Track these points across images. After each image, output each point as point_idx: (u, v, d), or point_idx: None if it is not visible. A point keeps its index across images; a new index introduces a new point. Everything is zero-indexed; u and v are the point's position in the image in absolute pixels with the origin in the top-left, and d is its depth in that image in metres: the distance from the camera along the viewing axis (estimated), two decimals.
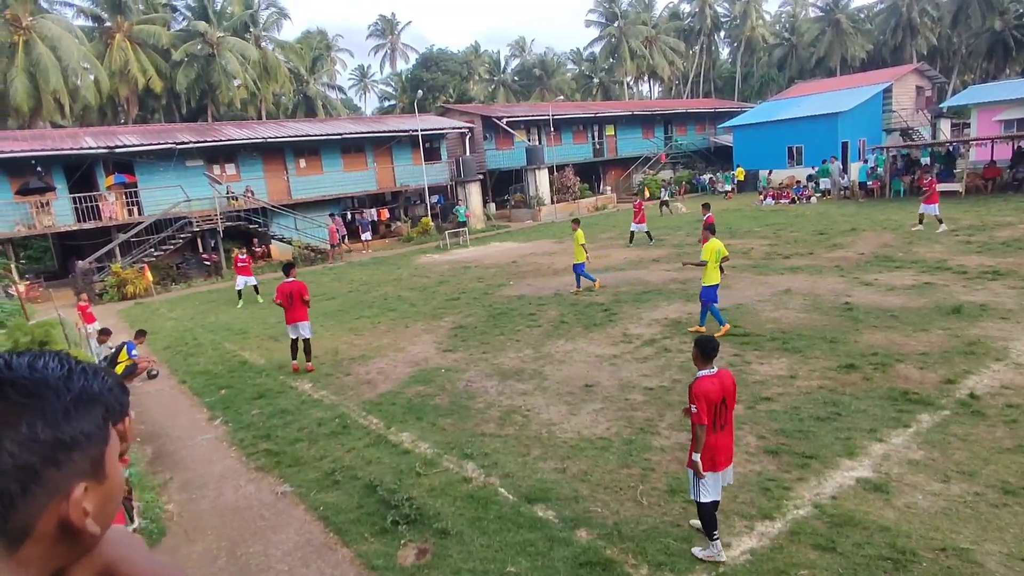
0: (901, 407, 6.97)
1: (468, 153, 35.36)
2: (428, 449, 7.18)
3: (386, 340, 12.28)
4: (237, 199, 27.02)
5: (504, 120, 37.31)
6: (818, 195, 30.93)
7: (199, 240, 26.25)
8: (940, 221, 17.80)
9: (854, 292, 12.11)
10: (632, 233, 22.12)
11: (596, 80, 75.98)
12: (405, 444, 7.38)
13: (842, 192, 30.18)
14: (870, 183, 29.11)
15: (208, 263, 25.67)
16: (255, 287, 18.25)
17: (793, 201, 30.54)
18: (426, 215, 32.63)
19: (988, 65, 60.28)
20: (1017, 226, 17.13)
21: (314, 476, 6.85)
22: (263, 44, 48.97)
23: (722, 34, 77.16)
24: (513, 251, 23.66)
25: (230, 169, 28.50)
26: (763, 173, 37.80)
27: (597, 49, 72.84)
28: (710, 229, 10.84)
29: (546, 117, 38.41)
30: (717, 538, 4.66)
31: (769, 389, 7.86)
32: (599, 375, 9.02)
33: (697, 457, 4.53)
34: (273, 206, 27.83)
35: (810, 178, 33.21)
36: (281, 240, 27.83)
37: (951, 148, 30.04)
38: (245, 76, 45.13)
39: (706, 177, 42.07)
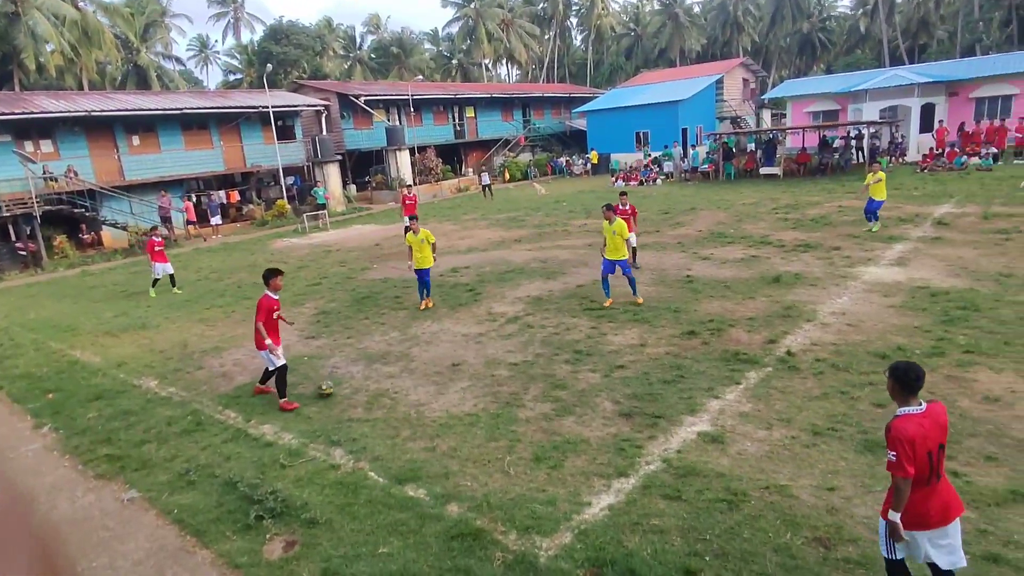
0: (733, 366, 7.82)
1: (325, 132, 33.86)
2: (293, 439, 6.94)
3: (241, 330, 11.58)
4: (56, 180, 23.86)
5: (362, 99, 36.15)
6: (663, 177, 33.33)
7: (11, 227, 22.88)
8: None
9: (694, 266, 13.30)
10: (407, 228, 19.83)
11: (455, 61, 75.76)
12: (267, 436, 7.08)
13: (684, 175, 32.75)
14: (705, 166, 31.85)
15: (24, 253, 22.48)
16: (171, 276, 15.90)
17: (642, 183, 32.67)
18: (282, 197, 30.91)
19: (800, 62, 68.00)
20: (823, 205, 19.66)
21: (165, 478, 6.37)
22: (82, 5, 43.23)
23: (574, 21, 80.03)
24: (376, 233, 23.17)
25: (46, 146, 25.06)
26: (615, 156, 39.99)
27: (454, 30, 72.61)
28: (610, 208, 11.05)
29: (406, 97, 37.75)
30: None
31: (623, 358, 8.46)
32: (466, 354, 9.18)
33: (896, 517, 3.51)
34: (102, 188, 24.92)
35: (655, 161, 35.66)
36: (115, 226, 25.03)
37: (772, 136, 33.64)
38: (60, 40, 39.66)
39: (563, 160, 43.70)
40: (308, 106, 33.64)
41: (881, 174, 15.02)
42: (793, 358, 7.91)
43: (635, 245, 12.64)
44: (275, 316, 7.76)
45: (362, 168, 37.86)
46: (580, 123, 46.21)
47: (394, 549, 4.88)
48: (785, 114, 39.86)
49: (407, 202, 19.48)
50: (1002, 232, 13.75)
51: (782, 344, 8.43)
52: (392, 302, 12.60)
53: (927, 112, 31.59)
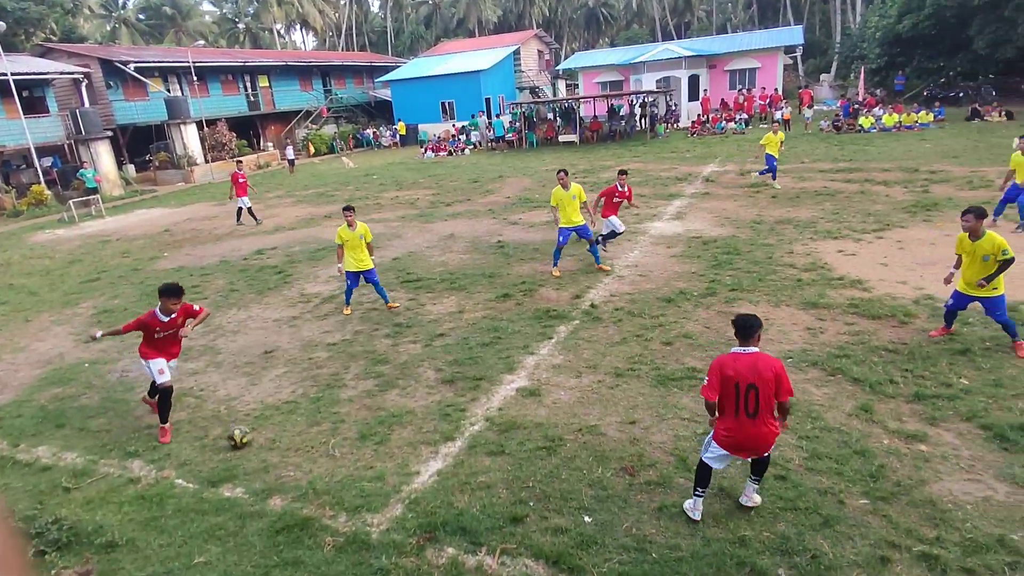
0: (545, 323, 8.33)
1: (87, 105, 29.19)
2: (77, 458, 6.08)
3: None
4: None
5: (131, 65, 31.67)
6: (470, 147, 33.89)
7: None
8: None
9: (505, 231, 13.81)
10: (240, 210, 17.43)
11: (242, 26, 69.26)
12: (43, 460, 6.11)
13: (490, 144, 33.59)
14: (510, 135, 32.97)
15: None
16: None
17: (450, 153, 32.93)
18: (38, 182, 26.26)
19: (588, 35, 72.58)
20: (614, 168, 21.36)
21: None
22: None
23: None
24: (165, 218, 20.71)
25: None
26: (422, 127, 39.74)
27: None
28: (565, 172, 10.26)
29: (186, 64, 33.79)
30: (699, 495, 4.42)
31: (442, 326, 8.59)
32: (279, 339, 8.68)
33: (710, 423, 4.39)
34: None
35: (462, 131, 36.10)
36: None
37: (568, 105, 35.68)
38: None
39: (370, 132, 42.45)
40: (61, 73, 28.71)
41: (781, 135, 16.58)
42: (596, 310, 8.62)
43: (621, 231, 11.03)
44: (157, 335, 6.30)
45: (141, 145, 33.37)
46: (385, 93, 45.09)
47: (212, 556, 4.54)
48: (578, 84, 42.46)
49: (240, 180, 17.36)
50: (754, 186, 16.11)
51: (586, 298, 9.14)
52: (190, 292, 11.41)
53: (694, 82, 35.63)
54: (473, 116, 36.36)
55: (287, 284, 11.36)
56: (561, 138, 32.00)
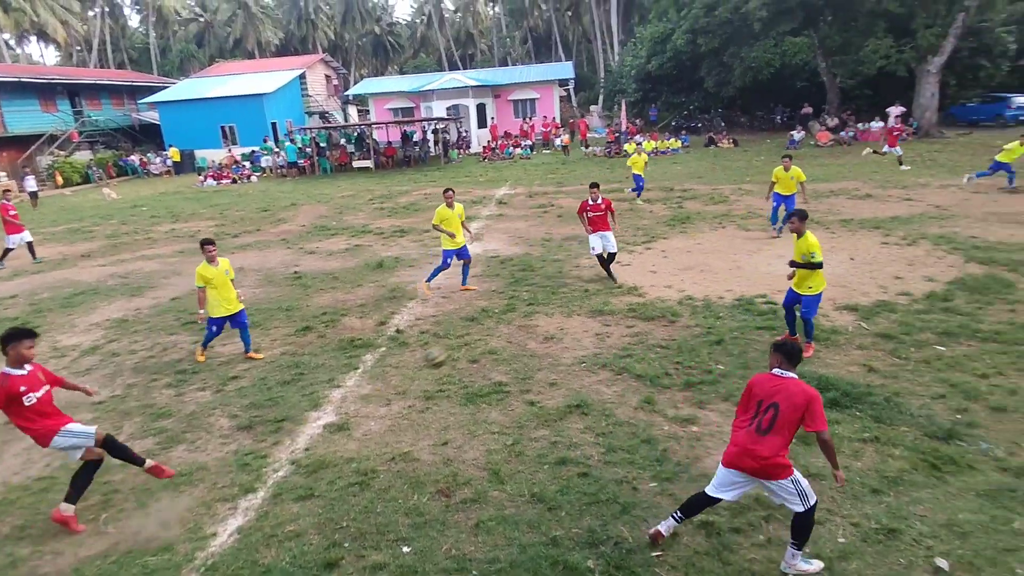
0: (350, 353, 8.06)
1: None
2: None
3: None
4: None
5: None
6: (257, 174, 31.84)
7: None
8: (900, 162, 19.57)
9: (301, 261, 13.17)
10: (6, 250, 14.89)
11: None
12: None
13: (280, 170, 31.87)
14: (301, 161, 31.63)
15: None
16: None
17: (235, 181, 30.63)
18: None
19: (376, 61, 72.66)
20: (411, 193, 21.64)
21: None
22: None
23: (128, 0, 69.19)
24: None
25: None
26: (199, 153, 36.46)
27: None
28: (451, 191, 10.27)
29: None
30: (676, 519, 4.28)
31: (236, 367, 7.88)
32: None
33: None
34: None
35: (247, 157, 33.81)
36: None
37: (361, 131, 35.27)
38: None
39: (135, 158, 37.84)
40: None
41: (645, 156, 17.47)
42: (402, 335, 8.56)
43: (614, 251, 10.34)
44: (27, 400, 4.80)
45: None
46: (152, 116, 40.57)
47: None
48: (369, 110, 42.20)
49: (9, 216, 14.44)
50: (542, 207, 17.32)
51: (392, 324, 9.04)
52: None
53: (481, 110, 37.40)
54: (266, 139, 34.27)
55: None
56: (356, 164, 31.47)
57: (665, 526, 4.31)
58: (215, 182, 30.20)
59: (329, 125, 38.10)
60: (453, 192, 10.16)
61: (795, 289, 7.11)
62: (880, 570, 4.03)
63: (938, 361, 6.73)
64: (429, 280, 10.33)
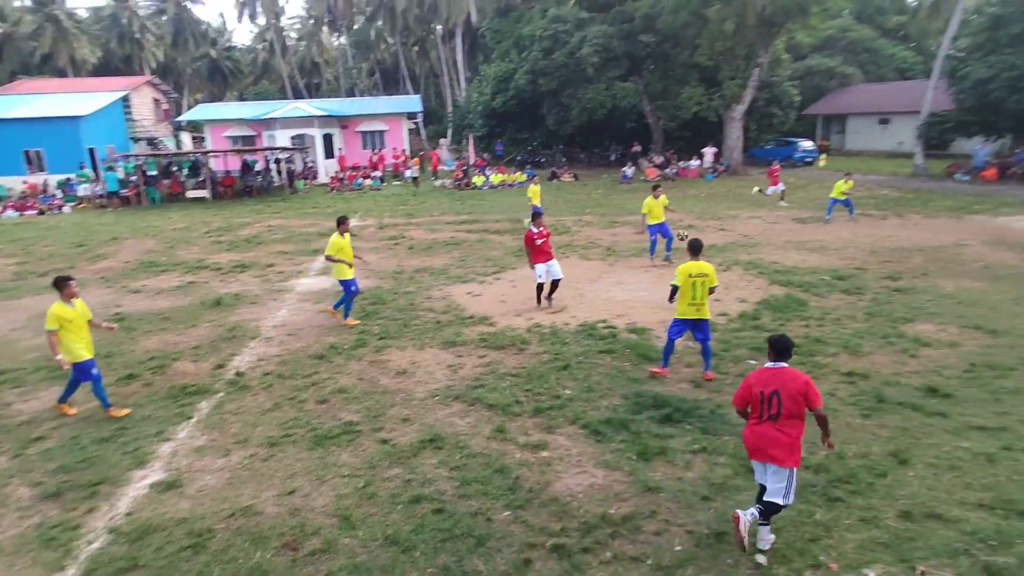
0: (183, 401, 7.37)
1: None
2: None
3: None
4: None
5: None
6: (71, 204, 28.35)
7: None
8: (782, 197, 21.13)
9: (124, 301, 11.87)
10: None
11: None
12: None
13: (99, 200, 28.63)
14: (125, 191, 28.69)
15: None
16: None
17: (42, 212, 27.03)
18: None
19: (213, 87, 68.24)
20: (254, 225, 20.45)
21: None
22: None
23: None
24: None
25: None
26: None
27: None
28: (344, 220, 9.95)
29: None
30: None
31: (40, 427, 6.88)
32: None
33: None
34: None
35: (60, 186, 30.03)
36: None
37: (195, 158, 32.80)
38: None
39: None
40: None
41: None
42: (243, 378, 7.99)
43: (559, 277, 10.35)
44: None
45: None
46: None
47: None
48: (204, 137, 39.46)
49: None
50: (392, 239, 17.19)
51: (231, 366, 8.41)
52: None
53: (328, 141, 36.50)
54: (82, 167, 30.60)
55: None
56: (190, 194, 29.16)
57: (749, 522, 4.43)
58: (17, 213, 26.41)
59: (158, 152, 35.01)
60: (348, 221, 10.02)
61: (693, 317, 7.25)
62: (712, 572, 4.41)
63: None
64: (346, 316, 10.07)
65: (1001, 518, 4.83)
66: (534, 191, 18.47)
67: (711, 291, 7.27)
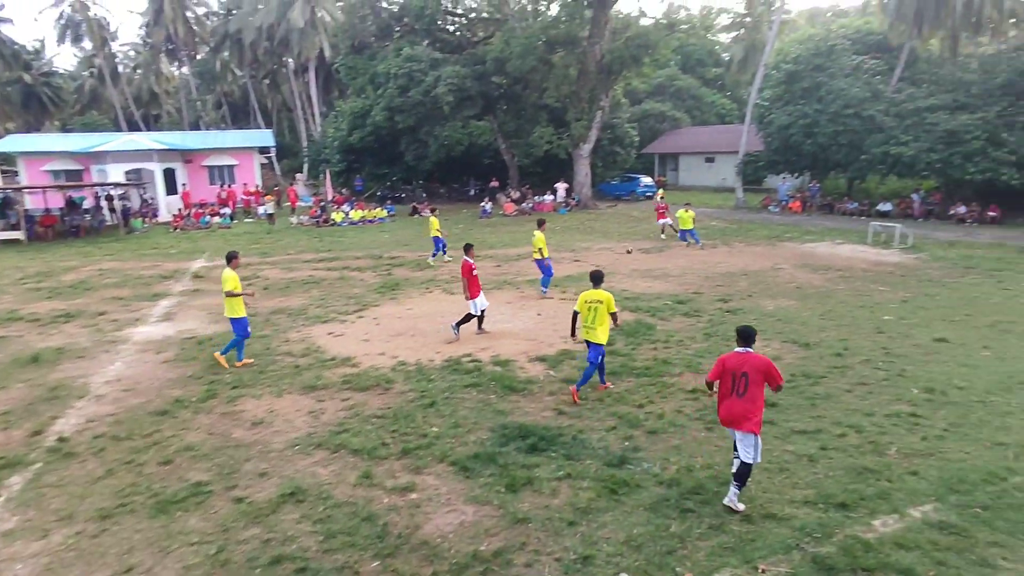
0: None
1: None
2: None
3: None
4: None
5: None
6: None
7: None
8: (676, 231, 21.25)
9: None
10: None
11: None
12: None
13: None
14: None
15: None
16: None
17: None
18: None
19: (29, 116, 60.77)
20: (81, 270, 18.31)
21: None
22: None
23: None
24: None
25: None
26: None
27: None
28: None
29: None
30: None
31: None
32: None
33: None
34: None
35: None
36: None
37: (5, 195, 28.84)
38: None
39: None
40: None
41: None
42: (67, 443, 7.07)
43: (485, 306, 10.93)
44: None
45: None
46: None
47: None
48: (18, 172, 34.95)
49: None
50: (244, 279, 16.09)
51: (51, 432, 7.41)
52: None
53: (170, 176, 33.80)
54: None
55: None
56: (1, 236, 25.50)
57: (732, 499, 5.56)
58: None
59: None
60: (239, 256, 9.91)
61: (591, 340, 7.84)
62: None
63: (608, 398, 8.02)
64: (240, 357, 9.60)
65: (823, 512, 5.48)
66: (433, 223, 18.51)
67: (613, 316, 7.87)
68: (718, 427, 7.14)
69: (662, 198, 25.06)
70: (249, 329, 9.76)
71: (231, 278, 9.38)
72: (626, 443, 6.80)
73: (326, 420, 7.52)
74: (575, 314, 8.09)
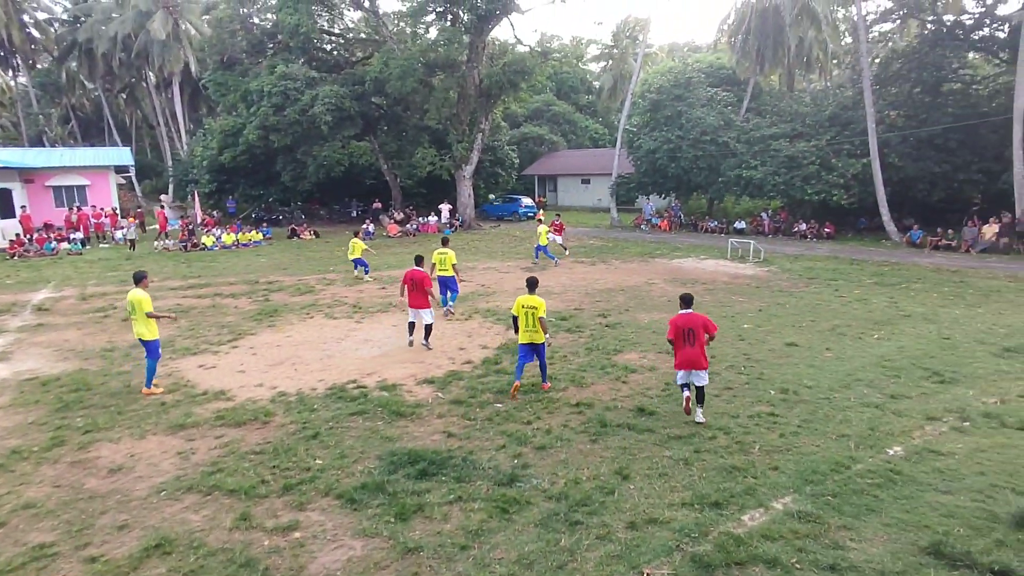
0: None
1: None
2: None
3: None
4: None
5: None
6: None
7: None
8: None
9: None
10: None
11: None
12: None
13: None
14: None
15: None
16: None
17: None
18: None
19: None
20: None
21: None
22: None
23: None
24: None
25: None
26: None
27: None
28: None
29: None
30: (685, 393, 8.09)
31: None
32: None
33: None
34: None
35: None
36: None
37: None
38: None
39: None
40: None
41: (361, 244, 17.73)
42: None
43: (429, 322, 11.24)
44: None
45: None
46: None
47: None
48: None
49: None
50: (101, 310, 14.73)
51: None
52: None
53: (5, 197, 30.08)
54: None
55: None
56: None
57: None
58: None
59: None
60: (141, 279, 9.20)
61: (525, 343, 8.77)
62: None
63: (497, 416, 8.09)
64: (149, 384, 9.09)
65: (699, 512, 5.83)
66: (356, 245, 18.59)
67: (541, 320, 8.59)
68: (601, 437, 7.45)
69: (558, 216, 26.87)
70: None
71: (146, 299, 8.97)
72: (515, 461, 6.87)
73: (197, 460, 6.96)
74: (514, 318, 8.87)
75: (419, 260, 11.43)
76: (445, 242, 14.56)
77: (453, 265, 13.79)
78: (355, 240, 18.88)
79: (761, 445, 7.22)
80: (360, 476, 6.53)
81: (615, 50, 56.09)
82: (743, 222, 30.84)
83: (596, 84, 60.48)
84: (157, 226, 30.80)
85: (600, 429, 7.67)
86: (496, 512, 5.83)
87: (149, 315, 8.96)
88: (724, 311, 14.03)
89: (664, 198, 35.60)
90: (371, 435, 7.56)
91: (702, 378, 7.85)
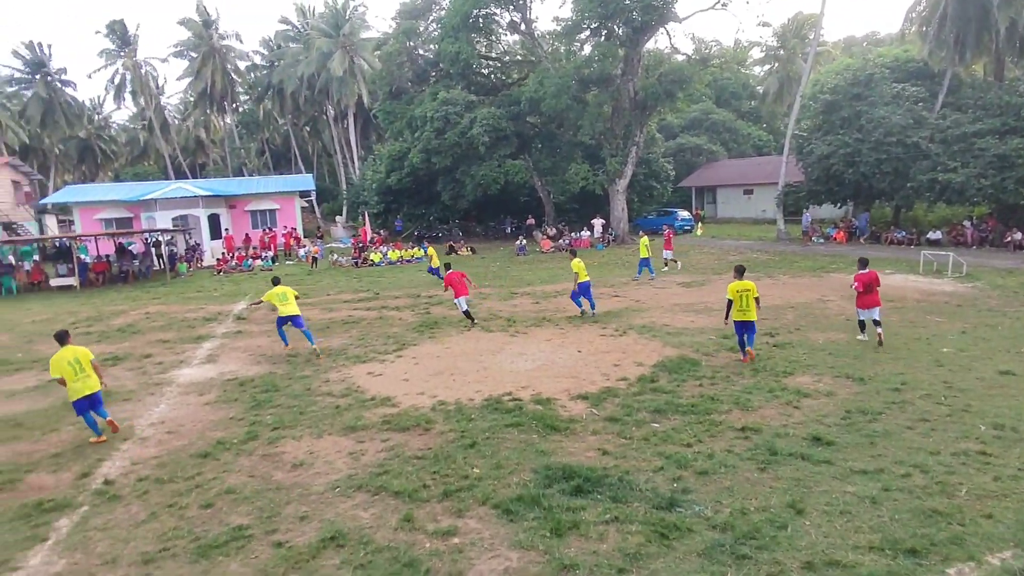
0: (37, 521, 6.42)
1: None
2: None
3: None
4: None
5: None
6: None
7: None
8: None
9: None
10: None
11: None
12: None
13: None
14: None
15: None
16: None
17: None
18: None
19: (84, 168, 64.20)
20: (130, 313, 18.91)
21: None
22: None
23: None
24: None
25: None
26: None
27: None
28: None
29: None
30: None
31: None
32: None
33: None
34: None
35: None
36: None
37: (61, 244, 30.29)
38: None
39: None
40: None
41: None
42: (112, 486, 7.12)
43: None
44: None
45: None
46: None
47: None
48: (73, 220, 36.70)
49: None
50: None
51: (98, 474, 7.49)
52: None
53: (214, 221, 35.03)
54: None
55: None
56: (54, 282, 26.67)
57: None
58: None
59: (17, 239, 32.00)
60: (69, 335, 9.13)
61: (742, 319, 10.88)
62: None
63: (654, 436, 7.74)
64: (98, 433, 8.70)
65: (891, 558, 5.09)
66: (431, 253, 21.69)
67: (757, 300, 10.69)
68: (770, 465, 6.82)
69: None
70: (89, 413, 8.61)
71: (56, 361, 8.52)
72: (675, 484, 6.50)
73: (366, 461, 7.42)
74: (729, 302, 10.67)
75: (447, 267, 15.22)
76: (573, 253, 15.95)
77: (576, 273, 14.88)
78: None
79: (969, 488, 6.18)
80: (516, 488, 6.55)
81: (781, 51, 52.70)
82: (939, 232, 27.22)
83: (760, 89, 57.17)
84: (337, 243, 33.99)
85: (769, 457, 7.03)
86: (655, 536, 5.53)
87: (96, 365, 8.78)
88: (917, 332, 12.39)
89: (840, 207, 32.42)
90: (526, 448, 7.58)
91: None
